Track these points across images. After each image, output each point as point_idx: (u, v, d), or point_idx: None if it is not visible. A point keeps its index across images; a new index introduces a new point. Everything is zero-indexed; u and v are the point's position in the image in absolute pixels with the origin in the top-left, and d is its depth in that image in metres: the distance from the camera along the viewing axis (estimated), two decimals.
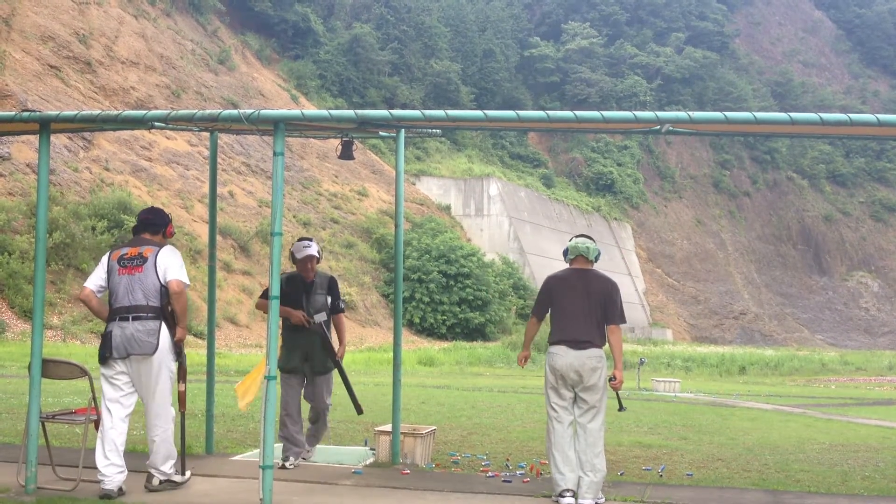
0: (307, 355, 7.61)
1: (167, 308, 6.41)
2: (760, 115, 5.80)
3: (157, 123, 6.80)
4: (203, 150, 38.36)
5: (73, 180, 30.92)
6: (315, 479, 7.09)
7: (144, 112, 6.46)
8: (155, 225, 6.66)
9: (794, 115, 5.66)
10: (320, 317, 7.56)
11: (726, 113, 5.80)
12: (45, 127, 6.50)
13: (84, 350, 22.29)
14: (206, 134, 10.10)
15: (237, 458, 8.04)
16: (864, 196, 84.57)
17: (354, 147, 8.26)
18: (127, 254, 6.47)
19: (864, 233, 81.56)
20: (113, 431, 6.24)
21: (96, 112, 6.45)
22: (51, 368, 6.56)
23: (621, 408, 7.05)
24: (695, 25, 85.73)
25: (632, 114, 5.99)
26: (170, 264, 6.41)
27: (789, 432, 11.99)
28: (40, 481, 6.22)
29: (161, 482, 6.40)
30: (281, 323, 6.97)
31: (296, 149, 45.27)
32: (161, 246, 6.51)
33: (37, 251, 6.46)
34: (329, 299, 7.70)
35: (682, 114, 5.85)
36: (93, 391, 6.48)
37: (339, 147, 8.06)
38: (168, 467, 6.44)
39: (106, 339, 6.35)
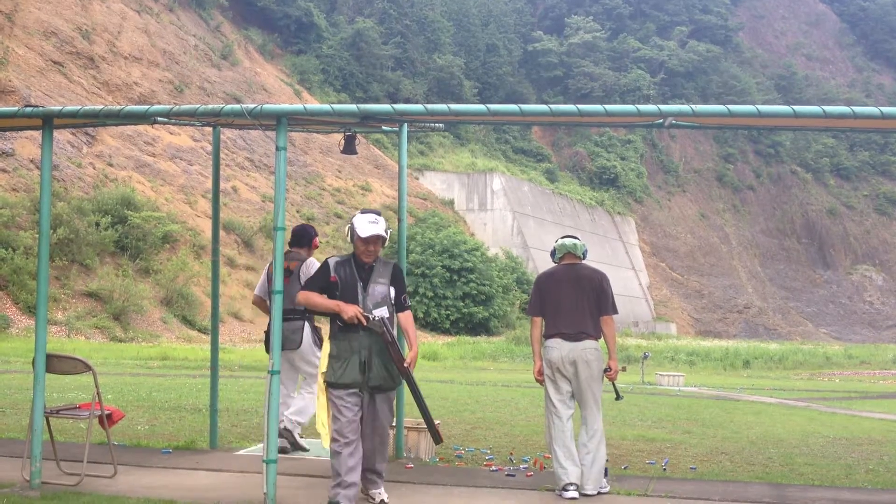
0: (365, 365, 5.85)
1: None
2: (764, 108, 5.79)
3: (159, 118, 6.80)
4: (206, 145, 38.38)
5: (76, 176, 30.95)
6: (319, 473, 7.10)
7: (147, 107, 6.45)
8: (302, 238, 7.98)
9: (798, 108, 5.64)
10: (381, 311, 5.89)
11: (729, 106, 5.79)
12: (48, 122, 6.49)
13: (89, 345, 22.34)
14: (209, 129, 10.11)
15: (241, 452, 8.04)
16: (868, 189, 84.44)
17: (357, 142, 8.26)
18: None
19: (869, 226, 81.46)
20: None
21: (99, 107, 6.44)
22: (55, 364, 6.57)
23: (618, 397, 7.06)
24: (698, 19, 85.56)
25: (635, 107, 5.98)
26: (306, 276, 7.54)
27: (793, 426, 11.98)
28: (45, 476, 6.23)
29: (284, 429, 7.76)
30: (327, 323, 5.90)
31: (299, 144, 45.28)
32: (304, 259, 7.76)
33: (40, 247, 6.46)
34: (392, 292, 6.06)
35: (685, 107, 5.83)
36: (97, 386, 6.50)
37: (342, 142, 8.05)
38: (303, 418, 7.89)
39: (267, 335, 7.61)
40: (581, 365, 6.48)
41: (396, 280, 6.08)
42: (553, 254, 6.87)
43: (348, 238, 5.93)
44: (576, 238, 6.88)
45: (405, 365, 5.86)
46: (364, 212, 6.04)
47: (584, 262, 6.82)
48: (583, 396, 6.53)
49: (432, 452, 7.99)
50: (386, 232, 5.92)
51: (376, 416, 5.93)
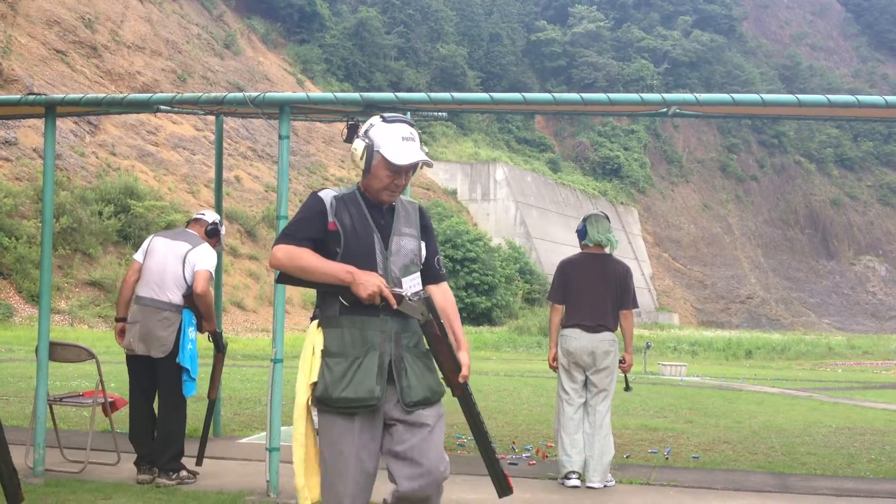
0: (392, 368, 3.47)
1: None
2: (768, 96, 5.78)
3: (162, 107, 6.80)
4: (209, 134, 38.35)
5: (79, 165, 30.95)
6: None
7: (150, 95, 6.46)
8: None
9: (802, 96, 5.63)
10: (412, 281, 3.58)
11: (733, 95, 5.78)
12: (50, 110, 6.49)
13: (92, 334, 22.38)
14: (212, 118, 10.10)
15: (244, 440, 8.06)
16: (872, 180, 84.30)
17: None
18: None
19: (872, 217, 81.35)
20: None
21: (102, 95, 6.44)
22: (58, 351, 6.57)
23: (628, 388, 7.08)
24: (702, 8, 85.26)
25: (638, 96, 5.97)
26: None
27: (795, 415, 11.99)
28: (48, 463, 6.25)
29: None
30: (321, 302, 3.56)
31: (302, 133, 45.25)
32: None
33: (43, 236, 6.47)
34: (424, 248, 3.67)
35: (688, 96, 5.82)
36: (100, 374, 6.51)
37: (345, 131, 8.02)
38: None
39: None
40: (598, 356, 6.49)
41: (427, 232, 3.69)
42: (582, 233, 6.74)
43: (360, 160, 3.50)
44: (609, 229, 6.76)
45: (462, 377, 3.54)
46: (390, 119, 3.54)
47: (610, 254, 6.80)
48: (595, 387, 6.54)
49: None
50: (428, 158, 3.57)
51: (415, 446, 3.41)
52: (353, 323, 3.44)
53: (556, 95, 6.08)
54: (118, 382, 12.27)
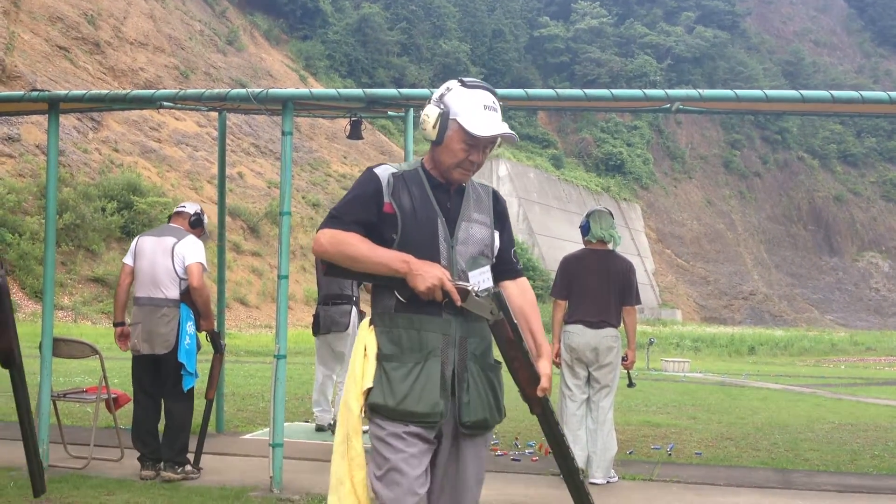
0: (453, 380, 2.93)
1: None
2: (771, 92, 5.77)
3: (165, 103, 6.81)
4: (212, 130, 38.35)
5: (82, 161, 30.98)
6: (325, 457, 7.09)
7: (153, 91, 6.47)
8: None
9: (806, 92, 5.63)
10: (481, 276, 3.02)
11: (737, 91, 5.77)
12: (54, 106, 6.50)
13: (95, 330, 22.39)
14: (215, 115, 10.11)
15: (247, 436, 8.08)
16: (875, 176, 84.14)
17: (363, 127, 8.25)
18: None
19: (875, 213, 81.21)
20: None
21: (105, 92, 6.45)
22: (62, 347, 6.59)
23: (631, 384, 7.09)
24: (705, 4, 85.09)
25: (642, 92, 5.96)
26: None
27: (798, 412, 11.98)
28: (52, 459, 6.27)
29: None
30: (374, 297, 3.03)
31: (304, 129, 45.24)
32: None
33: (47, 232, 6.48)
34: (497, 239, 3.13)
35: (692, 91, 5.82)
36: (104, 370, 6.51)
37: (348, 127, 8.05)
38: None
39: (315, 318, 8.24)
40: (601, 352, 6.50)
41: (502, 219, 3.18)
42: (585, 229, 6.75)
43: (432, 129, 2.96)
44: (613, 225, 6.77)
45: (542, 389, 2.93)
46: (471, 84, 3.03)
47: (613, 250, 6.80)
48: (598, 383, 6.55)
49: None
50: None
51: (461, 480, 2.99)
52: (411, 322, 2.89)
53: (559, 91, 6.07)
54: (121, 378, 12.28)
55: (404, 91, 6.25)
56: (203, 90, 6.36)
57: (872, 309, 72.50)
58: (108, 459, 6.55)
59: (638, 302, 6.69)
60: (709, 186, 75.38)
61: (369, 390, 2.86)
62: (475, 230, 3.02)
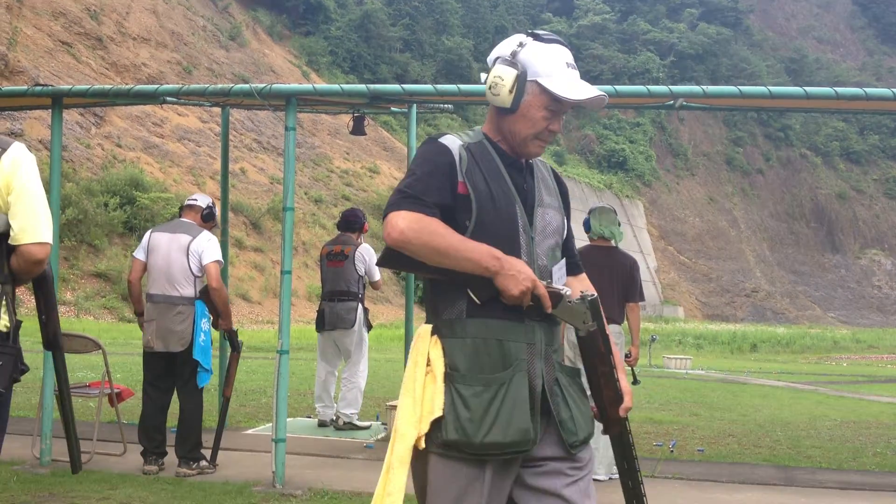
0: (545, 396, 2.37)
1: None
2: (775, 89, 5.76)
3: (169, 98, 6.80)
4: (215, 126, 38.37)
5: (85, 156, 31.00)
6: (327, 452, 7.13)
7: (156, 87, 6.46)
8: (353, 223, 8.31)
9: (809, 89, 5.62)
10: (559, 271, 2.51)
11: (741, 87, 5.76)
12: (57, 101, 6.50)
13: (98, 325, 22.44)
14: (218, 110, 10.11)
15: (250, 431, 8.09)
16: (878, 174, 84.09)
17: (366, 123, 8.27)
18: (333, 250, 8.23)
19: (878, 210, 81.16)
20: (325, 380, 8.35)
21: (109, 87, 6.45)
22: (65, 342, 6.58)
23: (635, 381, 7.08)
24: (708, 1, 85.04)
25: (645, 88, 5.96)
26: (368, 263, 8.16)
27: (801, 409, 11.99)
28: (55, 454, 6.27)
29: (344, 423, 8.12)
30: (435, 298, 2.44)
31: (307, 125, 45.23)
32: (358, 245, 8.18)
33: None
34: (565, 225, 2.59)
35: (696, 88, 5.81)
36: (107, 365, 6.52)
37: (351, 123, 8.07)
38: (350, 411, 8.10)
39: (319, 314, 8.27)
40: None
41: (568, 204, 2.66)
42: (587, 226, 6.74)
43: (508, 93, 2.41)
44: (614, 221, 6.76)
45: (624, 409, 2.54)
46: (547, 38, 2.51)
47: (616, 246, 6.80)
48: None
49: None
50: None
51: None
52: (489, 330, 2.33)
53: None
54: (124, 373, 12.31)
55: (408, 87, 6.24)
56: (206, 85, 6.35)
57: (875, 306, 72.48)
58: (111, 454, 6.56)
59: (641, 298, 6.67)
60: (711, 183, 75.34)
61: (437, 419, 2.28)
62: (550, 217, 2.51)
